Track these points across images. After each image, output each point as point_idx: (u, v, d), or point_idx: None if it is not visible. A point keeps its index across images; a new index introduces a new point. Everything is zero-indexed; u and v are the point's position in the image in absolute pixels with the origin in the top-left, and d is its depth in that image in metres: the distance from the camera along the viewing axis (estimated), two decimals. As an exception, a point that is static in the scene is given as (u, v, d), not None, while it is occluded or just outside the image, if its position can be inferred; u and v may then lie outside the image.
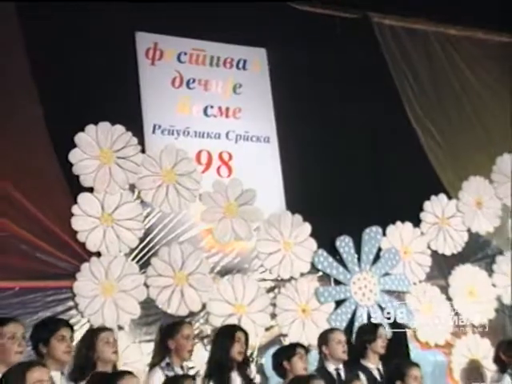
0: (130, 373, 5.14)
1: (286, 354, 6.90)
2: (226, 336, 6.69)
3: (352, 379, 6.57)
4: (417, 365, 7.00)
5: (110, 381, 4.87)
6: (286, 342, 7.96)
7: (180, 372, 6.32)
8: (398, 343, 8.02)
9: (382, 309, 8.59)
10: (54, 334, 5.74)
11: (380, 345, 7.44)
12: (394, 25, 9.62)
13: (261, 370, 7.04)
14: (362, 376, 7.02)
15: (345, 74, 8.81)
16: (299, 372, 6.52)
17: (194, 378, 5.67)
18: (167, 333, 6.62)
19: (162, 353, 6.51)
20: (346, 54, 8.78)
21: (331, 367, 7.10)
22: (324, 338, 7.34)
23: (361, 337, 7.53)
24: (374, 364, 7.36)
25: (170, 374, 6.22)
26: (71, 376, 5.90)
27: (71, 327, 6.06)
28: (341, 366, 7.10)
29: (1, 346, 5.38)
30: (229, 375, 6.42)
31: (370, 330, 7.61)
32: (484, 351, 9.15)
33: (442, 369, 8.97)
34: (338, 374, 7.00)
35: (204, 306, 7.84)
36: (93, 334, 6.30)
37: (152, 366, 6.50)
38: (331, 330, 7.57)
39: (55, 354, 5.66)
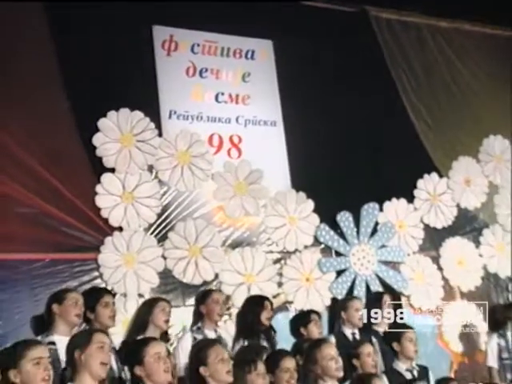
0: (155, 339, 5.19)
1: (302, 320, 6.99)
2: (256, 304, 6.77)
3: (365, 341, 6.62)
4: (412, 328, 7.04)
5: (139, 346, 4.90)
6: (292, 308, 8.00)
7: (212, 335, 6.37)
8: (394, 308, 8.06)
9: (379, 278, 8.64)
10: (99, 301, 5.83)
11: (387, 311, 7.48)
12: (390, 18, 9.57)
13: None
14: (374, 339, 7.10)
15: (345, 63, 8.76)
16: (315, 336, 6.55)
17: (219, 341, 5.67)
18: (199, 299, 6.72)
19: (196, 318, 6.60)
20: (345, 45, 8.73)
21: (348, 331, 7.19)
22: (343, 305, 7.41)
23: (370, 305, 7.55)
24: (382, 328, 7.41)
25: (199, 336, 6.27)
26: (126, 334, 6.00)
27: (113, 294, 6.15)
28: (356, 331, 7.19)
29: (63, 310, 5.48)
30: (258, 337, 6.48)
31: (377, 298, 7.69)
32: (471, 315, 9.16)
33: (433, 331, 8.99)
34: (354, 338, 7.07)
35: (216, 276, 7.85)
36: (153, 301, 6.41)
37: (185, 330, 6.61)
38: (351, 298, 7.69)
39: (101, 319, 5.78)
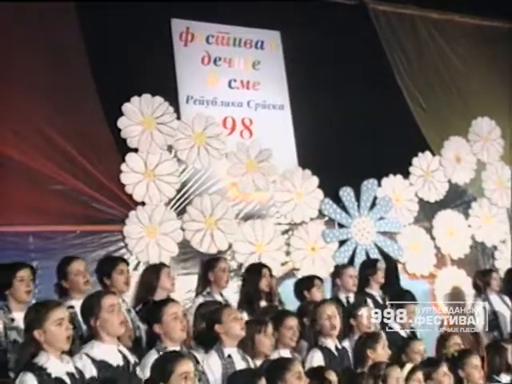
0: (173, 300, 5.20)
1: (305, 284, 6.95)
2: (254, 272, 6.74)
3: (361, 303, 6.61)
4: (415, 301, 7.06)
5: (158, 306, 4.92)
6: (299, 274, 8.00)
7: (219, 299, 6.37)
8: (391, 274, 8.09)
9: (377, 247, 8.66)
10: (115, 268, 5.83)
11: (380, 276, 7.49)
12: (386, 10, 9.47)
13: (278, 297, 7.06)
14: (369, 300, 7.10)
15: (346, 52, 8.69)
16: (317, 299, 6.56)
17: (228, 305, 5.70)
18: (207, 267, 6.68)
19: (204, 284, 6.59)
20: (346, 35, 8.66)
21: (342, 296, 7.16)
22: (338, 272, 7.40)
23: (364, 270, 7.55)
24: (376, 291, 7.42)
25: (210, 299, 6.25)
26: (136, 297, 6.01)
27: (127, 263, 6.17)
28: (350, 295, 7.15)
29: (70, 280, 5.50)
30: (258, 304, 6.47)
31: (371, 264, 7.69)
32: (461, 280, 9.19)
33: (426, 295, 9.01)
34: (348, 301, 7.06)
35: (230, 246, 7.88)
36: (157, 267, 6.40)
37: (196, 294, 6.60)
38: (345, 266, 7.64)
39: (116, 284, 5.76)
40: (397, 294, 7.19)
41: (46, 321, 4.06)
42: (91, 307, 4.50)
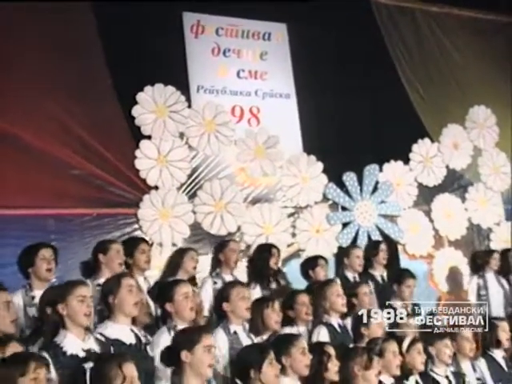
0: (184, 281, 5.22)
1: (310, 264, 6.98)
2: (265, 251, 6.75)
3: (363, 282, 6.64)
4: (413, 277, 7.07)
5: (170, 286, 4.93)
6: (304, 255, 7.99)
7: (230, 278, 6.37)
8: (392, 255, 8.10)
9: (378, 229, 8.65)
10: (137, 248, 5.87)
11: (382, 257, 7.52)
12: (388, 4, 9.43)
13: (284, 277, 7.08)
14: (370, 281, 7.12)
15: (349, 43, 8.63)
16: (321, 278, 6.60)
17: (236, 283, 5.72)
18: (218, 248, 6.70)
19: (214, 265, 6.60)
20: (350, 28, 8.61)
21: (350, 275, 7.21)
22: (346, 253, 7.42)
23: (368, 252, 7.56)
24: (378, 272, 7.45)
25: (219, 281, 6.28)
26: (162, 276, 6.05)
27: (148, 243, 6.21)
28: (356, 275, 7.19)
29: (108, 259, 5.59)
30: (268, 280, 6.50)
31: (374, 246, 7.70)
32: (457, 260, 9.21)
33: (424, 274, 9.03)
34: (355, 281, 7.09)
35: (239, 228, 7.89)
36: (184, 250, 6.45)
37: (205, 276, 6.60)
38: (353, 247, 7.69)
39: (138, 263, 5.81)
40: (396, 273, 7.20)
41: (70, 296, 4.16)
42: (112, 286, 4.57)
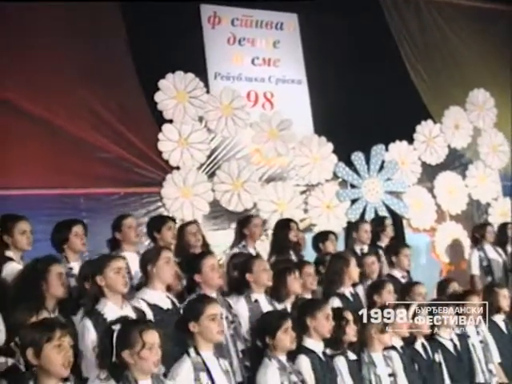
0: (211, 253, 5.29)
1: (321, 238, 6.97)
2: (284, 225, 6.75)
3: (371, 254, 6.64)
4: (408, 246, 7.06)
5: (198, 258, 4.98)
6: (316, 230, 8.01)
7: (253, 251, 6.40)
8: (397, 229, 8.11)
9: (385, 205, 8.67)
10: (165, 224, 5.88)
11: (389, 231, 7.52)
12: (393, -6, 9.48)
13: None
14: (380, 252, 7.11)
15: (357, 32, 8.57)
16: (330, 251, 6.61)
17: (259, 256, 5.75)
18: (243, 223, 6.66)
19: (239, 238, 6.59)
20: (357, 17, 8.56)
21: (357, 248, 7.18)
22: (355, 227, 7.43)
23: (375, 227, 7.53)
24: (385, 244, 7.41)
25: (245, 252, 6.26)
26: (176, 252, 6.00)
27: (175, 221, 6.22)
28: (365, 247, 7.17)
29: (124, 235, 5.62)
30: (288, 253, 6.52)
31: (381, 221, 7.70)
32: (458, 233, 9.24)
33: (427, 247, 9.08)
34: (362, 253, 7.08)
35: (255, 205, 7.93)
36: (183, 226, 6.31)
37: (232, 246, 6.63)
38: (361, 222, 7.66)
39: (165, 238, 5.81)
40: (393, 246, 7.18)
41: (107, 268, 4.24)
42: (151, 256, 4.67)
